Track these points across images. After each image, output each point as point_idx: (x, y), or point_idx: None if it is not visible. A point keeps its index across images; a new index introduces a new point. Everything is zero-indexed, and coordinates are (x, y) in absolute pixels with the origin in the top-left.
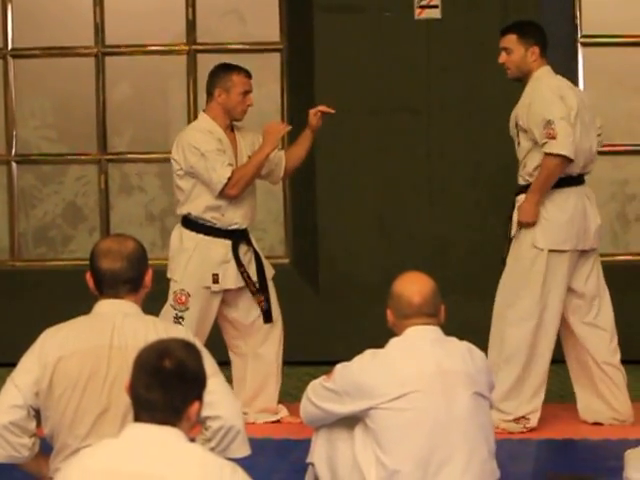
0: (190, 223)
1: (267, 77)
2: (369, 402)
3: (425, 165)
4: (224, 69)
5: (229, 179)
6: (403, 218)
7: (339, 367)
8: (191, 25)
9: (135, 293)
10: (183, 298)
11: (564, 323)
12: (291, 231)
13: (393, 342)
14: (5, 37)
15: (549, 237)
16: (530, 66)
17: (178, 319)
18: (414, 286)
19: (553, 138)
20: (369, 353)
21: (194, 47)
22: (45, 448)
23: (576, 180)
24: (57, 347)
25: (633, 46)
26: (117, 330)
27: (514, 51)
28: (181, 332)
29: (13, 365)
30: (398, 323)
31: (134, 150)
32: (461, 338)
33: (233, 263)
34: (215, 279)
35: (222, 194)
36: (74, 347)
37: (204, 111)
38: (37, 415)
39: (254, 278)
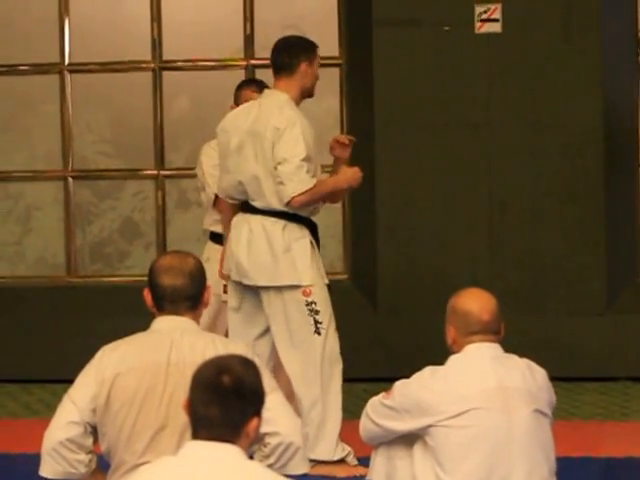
0: (212, 235)
1: (326, 92)
2: (429, 420)
3: (485, 180)
4: (238, 85)
5: (217, 196)
6: (463, 234)
7: (398, 384)
8: (249, 40)
9: (194, 310)
10: None
11: None
12: (350, 247)
13: (453, 359)
14: (62, 52)
15: None
16: None
17: None
18: (481, 303)
19: None
20: (429, 370)
21: (252, 62)
22: (102, 465)
23: None
24: (115, 364)
25: None
26: (175, 347)
27: None
28: (240, 348)
29: (70, 381)
30: (460, 340)
31: (192, 166)
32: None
33: None
34: (225, 289)
35: (215, 209)
36: (131, 364)
37: None
38: (94, 431)
39: None
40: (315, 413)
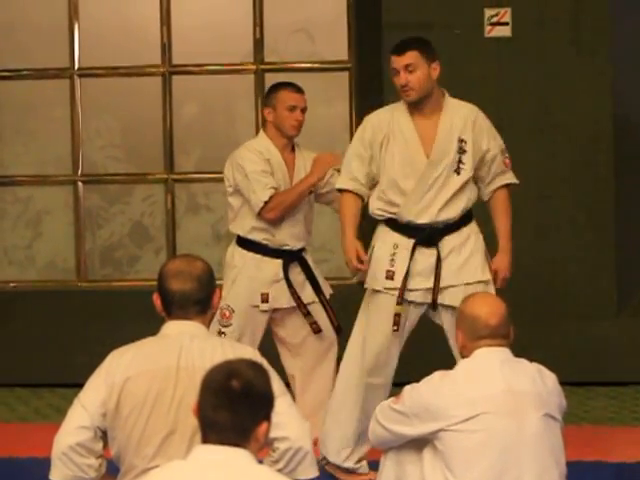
0: (243, 241)
1: (336, 96)
2: (438, 424)
3: None
4: (273, 87)
5: (267, 202)
6: None
7: (408, 389)
8: (259, 44)
9: (203, 314)
10: (227, 313)
11: None
12: None
13: (462, 363)
14: (72, 57)
15: None
16: (433, 86)
17: (220, 334)
18: (489, 307)
19: (509, 167)
20: (438, 374)
21: (262, 66)
22: (112, 469)
23: None
24: (124, 368)
25: None
26: (184, 351)
27: (419, 68)
28: (249, 353)
29: (80, 386)
30: (470, 345)
31: (201, 170)
32: None
33: (284, 283)
34: (264, 298)
35: (260, 216)
36: (141, 368)
37: (264, 130)
38: (104, 436)
39: (309, 299)
40: None
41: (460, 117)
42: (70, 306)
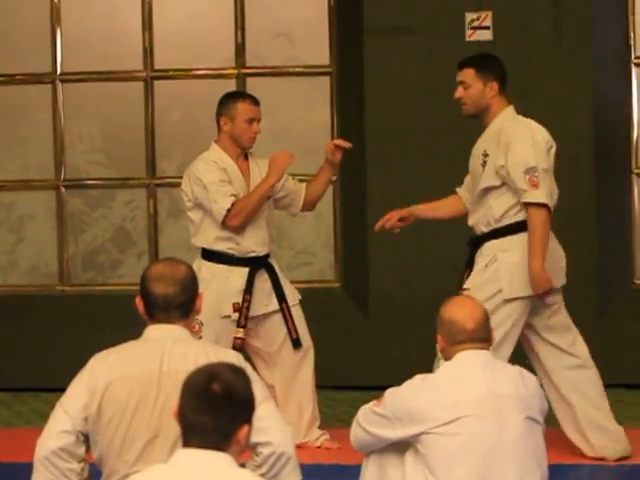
0: (208, 254)
1: (317, 100)
2: (420, 427)
3: None
4: (229, 97)
5: (229, 210)
6: (454, 242)
7: (389, 392)
8: (240, 49)
9: (186, 318)
10: (196, 327)
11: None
12: (341, 255)
13: (444, 367)
14: (54, 62)
15: (518, 285)
16: (489, 102)
17: None
18: (466, 311)
19: (535, 187)
20: (419, 378)
21: (243, 71)
22: (95, 473)
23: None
24: (106, 372)
25: None
26: (167, 355)
27: (472, 86)
28: (231, 356)
29: (61, 390)
30: (448, 349)
31: (183, 175)
32: None
33: (256, 290)
34: (236, 308)
35: (224, 225)
36: (123, 372)
37: (215, 141)
38: (86, 440)
39: (274, 308)
40: None
41: (496, 130)
42: (53, 310)
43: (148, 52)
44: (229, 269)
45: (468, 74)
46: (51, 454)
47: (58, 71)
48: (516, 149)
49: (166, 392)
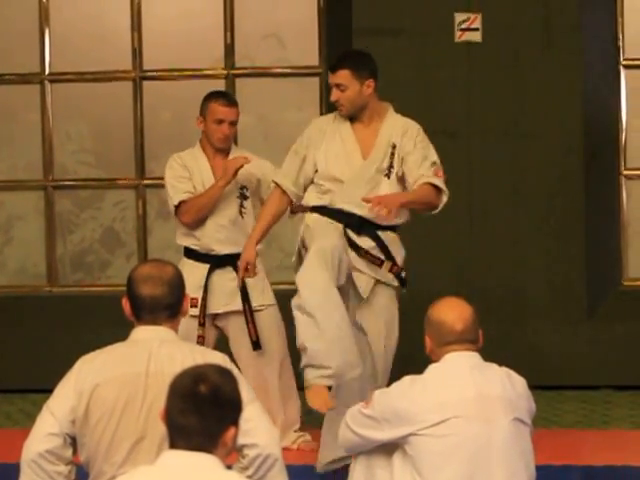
0: (184, 249)
1: (306, 101)
2: (408, 428)
3: (465, 189)
4: (206, 97)
5: (177, 207)
6: (443, 244)
7: (377, 393)
8: (230, 49)
9: (173, 319)
10: None
11: None
12: None
13: (432, 368)
14: (42, 62)
15: None
16: (366, 100)
17: None
18: (455, 312)
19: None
20: (408, 379)
21: (232, 71)
22: (82, 475)
23: None
24: (93, 374)
25: None
26: (154, 357)
27: (349, 87)
28: (218, 358)
29: (49, 391)
30: (437, 351)
31: None
32: None
33: (214, 288)
34: (194, 303)
35: (178, 221)
36: (110, 374)
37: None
38: (73, 442)
39: (237, 307)
40: None
41: (399, 127)
42: (41, 311)
43: (137, 52)
44: (195, 265)
45: (344, 76)
46: (38, 457)
47: (47, 71)
48: (424, 144)
49: (153, 394)
